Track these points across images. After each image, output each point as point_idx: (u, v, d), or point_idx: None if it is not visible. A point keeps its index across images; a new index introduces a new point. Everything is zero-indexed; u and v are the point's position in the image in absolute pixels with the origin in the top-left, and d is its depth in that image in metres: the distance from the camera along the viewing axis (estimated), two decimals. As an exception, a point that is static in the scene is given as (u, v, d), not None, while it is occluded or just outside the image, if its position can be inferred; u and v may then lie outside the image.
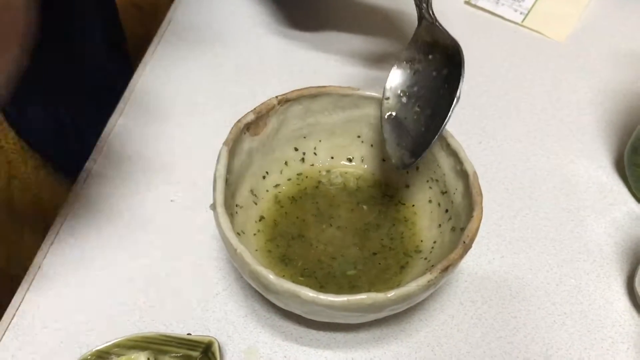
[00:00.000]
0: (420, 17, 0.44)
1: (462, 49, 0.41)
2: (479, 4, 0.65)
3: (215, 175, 0.38)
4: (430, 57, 0.43)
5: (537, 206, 0.49)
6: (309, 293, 0.33)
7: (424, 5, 0.44)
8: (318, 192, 0.46)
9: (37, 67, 0.35)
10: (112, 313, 0.42)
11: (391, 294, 0.34)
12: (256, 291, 0.40)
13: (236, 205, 0.41)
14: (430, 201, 0.44)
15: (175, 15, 0.62)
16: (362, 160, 0.47)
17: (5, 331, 0.41)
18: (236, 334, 0.41)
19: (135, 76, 0.56)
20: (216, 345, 0.38)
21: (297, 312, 0.37)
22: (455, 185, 0.41)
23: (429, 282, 0.34)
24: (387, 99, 0.43)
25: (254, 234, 0.43)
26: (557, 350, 0.41)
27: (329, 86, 0.44)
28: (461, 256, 0.36)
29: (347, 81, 0.56)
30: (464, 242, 0.36)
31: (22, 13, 0.27)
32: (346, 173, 0.47)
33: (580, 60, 0.62)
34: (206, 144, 0.51)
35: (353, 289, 0.40)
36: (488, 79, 0.59)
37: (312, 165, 0.47)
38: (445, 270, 0.35)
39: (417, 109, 0.42)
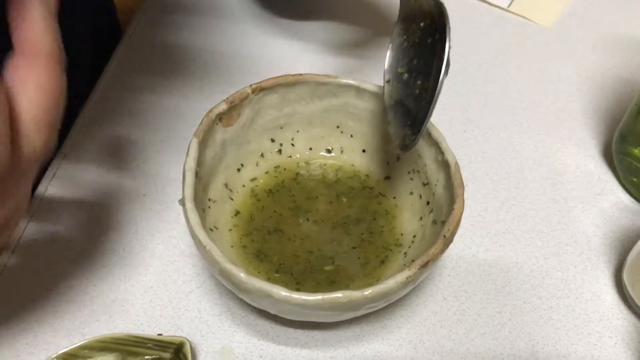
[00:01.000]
0: None
1: (445, 8, 0.38)
2: (464, -12, 0.64)
3: (184, 168, 0.36)
4: (422, 24, 0.39)
5: (522, 197, 0.48)
6: (281, 292, 0.32)
7: None
8: (296, 185, 0.44)
9: None
10: (80, 313, 0.40)
11: (368, 291, 0.32)
12: (230, 289, 0.38)
13: (209, 200, 0.40)
14: (411, 193, 0.42)
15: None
16: (342, 151, 0.45)
17: (-32, 333, 0.39)
18: (210, 333, 0.39)
19: (110, 62, 0.55)
20: (188, 346, 0.37)
21: (271, 311, 0.35)
22: (436, 177, 0.40)
23: (407, 278, 0.33)
24: (388, 81, 0.41)
25: (229, 230, 0.41)
26: (543, 347, 0.40)
27: (306, 74, 0.42)
28: (441, 251, 0.34)
29: (326, 70, 0.54)
30: (445, 236, 0.34)
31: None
32: (325, 165, 0.45)
33: (568, 46, 0.60)
34: (180, 136, 0.49)
35: (331, 284, 0.39)
36: (473, 66, 0.57)
37: (290, 156, 0.45)
38: (425, 265, 0.33)
39: (418, 83, 0.39)
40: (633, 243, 0.42)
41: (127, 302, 0.40)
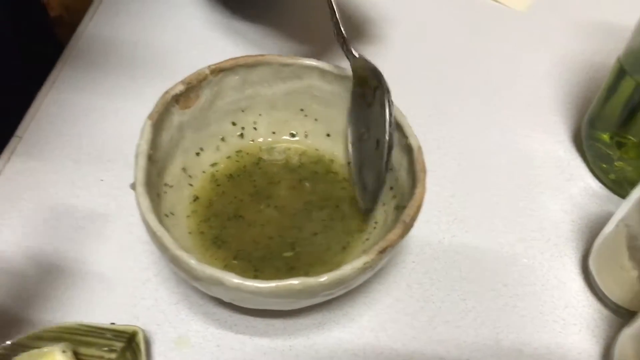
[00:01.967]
0: (347, 55, 0.41)
1: (381, 73, 0.39)
2: (437, -29, 0.62)
3: (136, 151, 0.35)
4: (373, 85, 0.40)
5: (490, 183, 0.47)
6: (233, 279, 0.31)
7: (344, 44, 0.41)
8: (258, 170, 0.43)
9: None
10: (31, 303, 0.38)
11: (323, 278, 0.31)
12: (187, 276, 0.37)
13: (165, 185, 0.38)
14: (375, 178, 0.41)
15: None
16: (306, 135, 0.44)
17: None
18: (166, 322, 0.38)
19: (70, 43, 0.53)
20: (141, 335, 0.35)
21: (225, 299, 0.34)
22: (400, 161, 0.39)
23: (364, 264, 0.32)
24: (352, 143, 0.42)
25: (187, 216, 0.40)
26: (507, 334, 0.39)
27: (268, 55, 0.41)
28: (400, 236, 0.33)
29: (289, 51, 0.53)
30: (404, 222, 0.34)
31: None
32: (289, 149, 0.44)
33: (541, 30, 0.59)
34: (140, 119, 0.48)
35: (291, 271, 0.38)
36: (444, 50, 0.56)
37: (252, 141, 0.44)
38: (383, 251, 0.32)
39: (374, 145, 0.39)
40: (600, 229, 0.41)
41: (81, 291, 0.39)
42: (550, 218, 0.46)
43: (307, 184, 0.42)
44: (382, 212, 0.39)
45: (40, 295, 0.39)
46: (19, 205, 0.42)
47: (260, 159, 0.43)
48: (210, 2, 0.58)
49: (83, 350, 0.35)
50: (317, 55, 0.52)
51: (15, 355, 0.34)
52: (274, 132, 0.44)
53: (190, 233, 0.39)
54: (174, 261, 0.32)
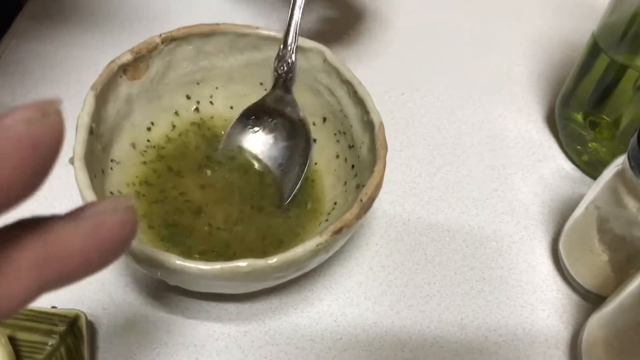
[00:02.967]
0: (278, 84, 0.40)
1: (308, 124, 0.39)
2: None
3: (77, 123, 0.33)
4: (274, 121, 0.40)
5: (459, 163, 0.45)
6: (175, 261, 0.29)
7: (286, 75, 0.39)
8: (211, 148, 0.40)
9: None
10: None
11: (273, 260, 0.29)
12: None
13: (112, 161, 0.36)
14: (337, 156, 0.39)
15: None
16: (267, 111, 0.42)
17: None
18: (113, 306, 0.36)
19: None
20: (83, 319, 0.33)
21: (170, 282, 0.32)
22: (362, 138, 0.37)
23: (317, 246, 0.30)
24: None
25: (138, 195, 0.37)
26: (472, 320, 0.38)
27: (224, 24, 0.38)
28: (357, 216, 0.31)
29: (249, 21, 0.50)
30: (361, 200, 0.32)
31: None
32: (246, 126, 0.42)
33: (516, 8, 0.57)
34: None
35: (247, 253, 0.35)
36: (414, 25, 0.54)
37: (209, 116, 0.41)
38: (338, 232, 0.30)
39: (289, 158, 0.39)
40: (572, 212, 0.40)
41: (21, 272, 0.37)
42: (521, 200, 0.44)
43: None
44: (342, 192, 0.37)
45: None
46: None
47: (215, 135, 0.41)
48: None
49: (20, 335, 0.33)
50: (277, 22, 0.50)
51: (-56, 341, 0.32)
52: (231, 107, 0.41)
53: (140, 215, 0.36)
54: (114, 241, 0.30)
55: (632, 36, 0.40)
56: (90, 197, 0.30)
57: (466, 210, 0.43)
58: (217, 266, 0.29)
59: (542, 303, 0.39)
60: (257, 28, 0.39)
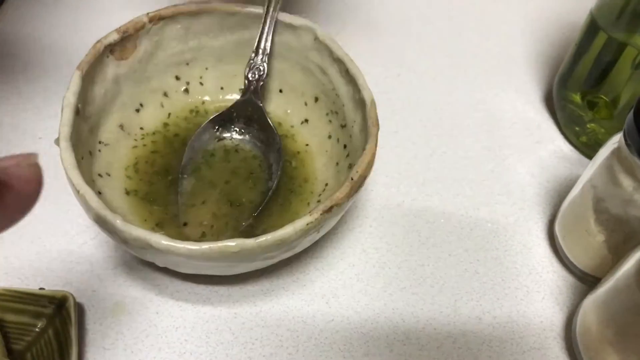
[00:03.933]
0: (249, 91, 0.39)
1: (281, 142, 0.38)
2: None
3: (62, 104, 0.32)
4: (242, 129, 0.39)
5: (456, 144, 0.45)
6: (161, 241, 0.28)
7: (257, 83, 0.39)
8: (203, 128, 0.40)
9: None
10: (-42, 267, 0.36)
11: (262, 239, 0.29)
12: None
13: (99, 142, 0.35)
14: (329, 137, 0.38)
15: None
16: (258, 91, 0.41)
17: None
18: (102, 288, 0.36)
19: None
20: (71, 300, 0.33)
21: (158, 263, 0.32)
22: (354, 117, 0.36)
23: (307, 225, 0.29)
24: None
25: (128, 177, 0.37)
26: (466, 302, 0.37)
27: (212, 2, 0.38)
28: (348, 195, 0.31)
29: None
30: (352, 179, 0.31)
31: None
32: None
33: (515, -13, 0.56)
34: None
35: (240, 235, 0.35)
36: (410, 5, 0.53)
37: (198, 97, 0.41)
38: (328, 211, 0.30)
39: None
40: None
41: (10, 254, 0.36)
42: (518, 181, 0.43)
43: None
44: (334, 173, 0.37)
45: (-34, 259, 0.36)
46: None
47: (205, 116, 0.40)
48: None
49: (8, 317, 0.33)
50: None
51: None
52: (222, 88, 0.41)
53: (127, 194, 0.36)
54: (99, 222, 0.29)
55: (630, 13, 0.39)
56: (76, 177, 0.30)
57: (461, 192, 0.42)
58: (205, 246, 0.28)
59: (537, 285, 0.38)
60: (246, 6, 0.38)
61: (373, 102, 0.34)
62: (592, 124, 0.44)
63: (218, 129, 0.38)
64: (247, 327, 0.35)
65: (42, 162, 0.37)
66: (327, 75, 0.38)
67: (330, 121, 0.38)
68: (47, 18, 0.49)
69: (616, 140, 0.34)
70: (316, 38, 0.38)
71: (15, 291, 0.33)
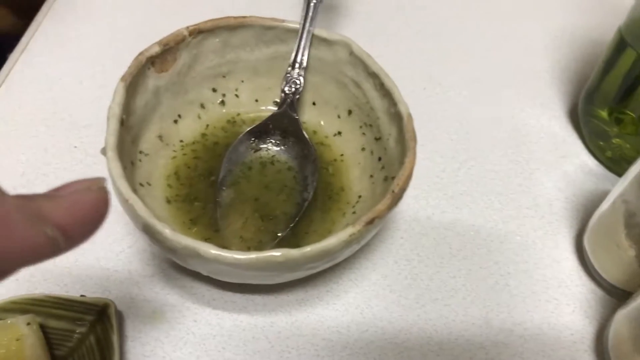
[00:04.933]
0: (285, 104, 0.39)
1: (316, 153, 0.39)
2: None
3: (108, 114, 0.33)
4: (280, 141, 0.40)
5: (483, 157, 0.45)
6: (210, 250, 0.29)
7: (293, 96, 0.39)
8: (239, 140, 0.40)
9: None
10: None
11: (307, 250, 0.29)
12: (163, 248, 0.35)
13: (140, 152, 0.36)
14: (363, 149, 0.39)
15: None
16: (292, 104, 0.42)
17: None
18: (140, 296, 0.36)
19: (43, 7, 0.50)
20: (112, 308, 0.33)
21: (203, 272, 0.32)
22: (389, 130, 0.37)
23: (350, 236, 0.30)
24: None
25: (168, 186, 0.37)
26: (498, 314, 0.38)
27: (250, 16, 0.39)
28: (389, 207, 0.31)
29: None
30: (393, 191, 0.32)
31: None
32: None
33: (540, 3, 0.57)
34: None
35: (277, 245, 0.36)
36: (437, 21, 0.54)
37: (234, 109, 0.41)
38: (371, 222, 0.30)
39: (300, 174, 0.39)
40: (596, 208, 0.40)
41: (49, 261, 0.37)
42: (545, 195, 0.44)
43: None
44: (369, 185, 0.37)
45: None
46: (-13, 173, 0.40)
47: (242, 128, 0.41)
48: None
49: (51, 323, 0.33)
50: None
51: (-23, 328, 0.32)
52: (257, 100, 0.41)
53: (168, 203, 0.37)
54: (147, 231, 0.30)
55: (659, 31, 0.40)
56: (124, 187, 0.30)
57: (490, 205, 0.43)
58: (252, 256, 0.29)
59: (566, 298, 0.39)
60: (283, 21, 0.39)
61: (410, 116, 0.35)
62: (618, 139, 0.45)
63: (254, 140, 0.39)
64: (283, 335, 0.35)
65: (79, 171, 0.37)
66: (361, 89, 0.39)
67: (364, 134, 0.39)
68: (81, 27, 0.50)
69: (649, 156, 0.34)
70: (352, 53, 0.38)
71: (58, 298, 0.34)
